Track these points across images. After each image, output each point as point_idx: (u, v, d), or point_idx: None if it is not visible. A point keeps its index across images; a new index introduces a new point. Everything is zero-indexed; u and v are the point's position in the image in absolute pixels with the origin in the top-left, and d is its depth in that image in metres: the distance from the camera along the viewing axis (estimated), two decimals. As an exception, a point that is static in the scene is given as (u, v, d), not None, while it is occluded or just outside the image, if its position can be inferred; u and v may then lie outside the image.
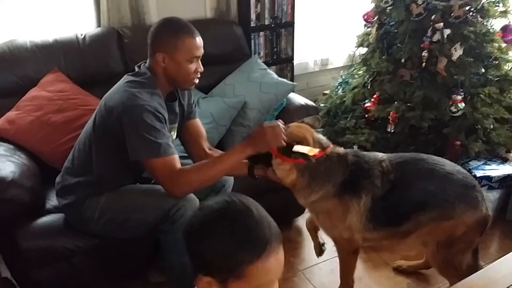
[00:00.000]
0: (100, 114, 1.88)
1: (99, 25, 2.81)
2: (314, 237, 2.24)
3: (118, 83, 1.92)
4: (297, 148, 1.76)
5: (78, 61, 2.55)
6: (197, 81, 1.95)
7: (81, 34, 2.61)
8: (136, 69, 1.94)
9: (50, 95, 2.36)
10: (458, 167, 1.95)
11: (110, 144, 1.86)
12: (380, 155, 1.94)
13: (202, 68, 1.93)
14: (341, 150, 1.92)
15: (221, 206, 1.02)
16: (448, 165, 1.92)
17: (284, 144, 1.78)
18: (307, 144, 1.82)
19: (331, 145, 1.91)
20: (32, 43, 2.47)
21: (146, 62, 1.94)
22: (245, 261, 0.96)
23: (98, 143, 1.90)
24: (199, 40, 1.88)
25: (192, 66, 1.88)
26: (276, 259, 1.01)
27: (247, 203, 1.04)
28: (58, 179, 2.03)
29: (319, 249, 2.25)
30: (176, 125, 2.04)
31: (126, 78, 1.91)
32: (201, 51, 1.90)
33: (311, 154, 1.76)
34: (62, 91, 2.40)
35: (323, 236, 2.19)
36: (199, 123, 2.17)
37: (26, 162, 2.11)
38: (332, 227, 1.95)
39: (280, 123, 1.81)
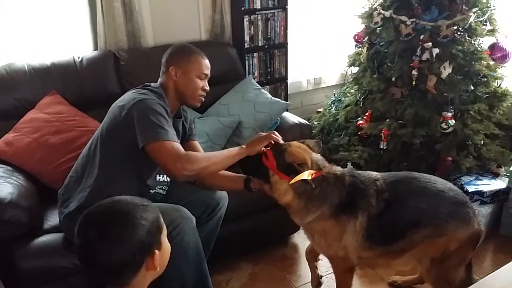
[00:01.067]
0: (109, 118, 1.95)
1: (96, 48, 2.87)
2: (313, 269, 2.26)
3: (126, 93, 2.01)
4: (297, 177, 1.79)
5: (76, 83, 2.60)
6: (203, 99, 2.09)
7: (79, 57, 2.66)
8: (146, 84, 2.05)
9: (47, 117, 2.40)
10: (450, 185, 1.98)
11: (118, 150, 1.90)
12: (374, 174, 1.97)
13: (208, 87, 2.08)
14: (338, 170, 1.94)
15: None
16: (440, 182, 1.96)
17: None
18: (307, 167, 1.84)
19: (327, 165, 1.94)
20: (30, 66, 2.52)
21: (155, 82, 2.06)
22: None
23: (105, 151, 1.94)
24: (208, 62, 2.08)
25: (201, 83, 2.04)
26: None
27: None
28: (62, 190, 2.06)
29: (317, 282, 2.26)
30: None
31: (133, 88, 2.02)
32: (209, 72, 2.08)
33: (309, 178, 1.79)
34: (60, 113, 2.44)
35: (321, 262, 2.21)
36: (197, 145, 2.21)
37: (24, 183, 2.13)
38: (327, 247, 1.96)
39: (276, 134, 1.96)
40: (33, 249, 1.97)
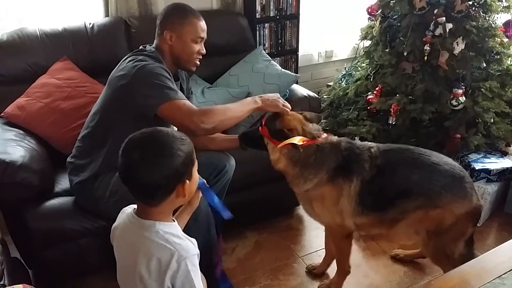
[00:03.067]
0: (110, 89, 1.97)
1: (107, 14, 2.86)
2: (328, 259, 2.34)
3: (122, 60, 2.01)
4: (285, 142, 1.85)
5: (86, 49, 2.61)
6: (198, 62, 2.09)
7: (90, 23, 2.66)
8: (141, 47, 2.05)
9: (59, 83, 2.42)
10: (446, 159, 2.00)
11: (123, 120, 1.91)
12: (370, 143, 2.03)
13: (205, 50, 2.07)
14: (334, 138, 2.00)
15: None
16: (435, 156, 1.97)
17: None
18: (297, 133, 1.90)
19: (324, 135, 1.97)
20: (41, 32, 2.53)
21: (151, 44, 2.06)
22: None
23: (110, 121, 1.96)
24: (203, 23, 2.04)
25: (196, 47, 2.03)
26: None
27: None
28: (70, 159, 2.10)
29: (321, 270, 2.37)
30: None
31: (130, 54, 2.01)
32: (205, 34, 2.05)
33: (299, 143, 1.84)
34: (71, 79, 2.46)
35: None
36: (194, 103, 2.23)
37: (35, 147, 2.17)
38: (325, 213, 2.00)
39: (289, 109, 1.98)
40: (44, 211, 2.03)
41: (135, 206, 1.37)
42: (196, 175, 1.37)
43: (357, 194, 1.91)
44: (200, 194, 1.56)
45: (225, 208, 1.62)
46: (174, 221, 1.38)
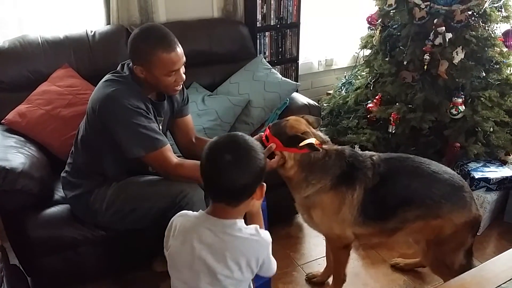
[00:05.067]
0: (88, 115, 1.97)
1: (108, 22, 2.88)
2: (329, 268, 2.30)
3: (99, 82, 1.97)
4: (308, 140, 1.81)
5: (88, 57, 2.62)
6: (179, 87, 1.96)
7: (91, 31, 2.68)
8: (119, 67, 1.99)
9: (60, 90, 2.43)
10: (445, 168, 2.00)
11: (106, 141, 1.91)
12: (369, 152, 2.03)
13: (184, 76, 1.93)
14: (338, 147, 1.99)
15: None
16: (434, 165, 1.98)
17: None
18: (310, 135, 1.88)
19: (329, 141, 1.98)
20: (43, 39, 2.54)
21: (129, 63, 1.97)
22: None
23: (94, 141, 1.96)
24: (176, 53, 1.83)
25: (171, 79, 1.88)
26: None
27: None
28: (64, 174, 2.11)
29: (322, 279, 2.34)
30: (163, 119, 2.08)
31: (106, 77, 1.97)
32: (180, 64, 1.86)
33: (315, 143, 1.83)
34: (72, 86, 2.47)
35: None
36: (189, 119, 2.23)
37: (35, 154, 2.18)
38: (324, 221, 1.99)
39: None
40: (43, 219, 2.03)
41: (200, 211, 1.40)
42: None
43: (360, 203, 1.90)
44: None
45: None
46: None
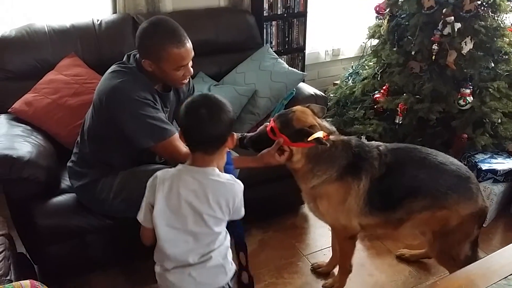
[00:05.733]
0: (94, 105, 1.96)
1: (115, 11, 2.87)
2: (335, 258, 2.31)
3: (105, 73, 1.96)
4: (316, 135, 1.80)
5: (94, 46, 2.62)
6: (186, 81, 1.96)
7: (97, 20, 2.67)
8: (125, 58, 1.98)
9: (66, 79, 2.43)
10: (452, 159, 1.99)
11: (113, 131, 1.90)
12: (375, 142, 2.03)
13: (192, 71, 1.93)
14: (344, 137, 1.98)
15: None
16: (441, 155, 1.97)
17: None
18: (318, 128, 1.86)
19: (335, 131, 1.96)
20: (49, 28, 2.54)
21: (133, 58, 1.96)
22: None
23: (101, 131, 1.96)
24: (186, 48, 1.82)
25: (179, 73, 1.88)
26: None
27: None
28: (70, 164, 2.11)
29: (327, 269, 2.35)
30: (169, 109, 2.08)
31: (112, 68, 1.96)
32: (189, 59, 1.86)
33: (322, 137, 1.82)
34: (78, 75, 2.47)
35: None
36: None
37: (42, 143, 2.18)
38: (330, 212, 1.99)
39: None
40: (50, 207, 2.04)
41: (180, 164, 1.57)
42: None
43: (366, 193, 1.89)
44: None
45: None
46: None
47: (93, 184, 2.00)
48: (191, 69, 1.92)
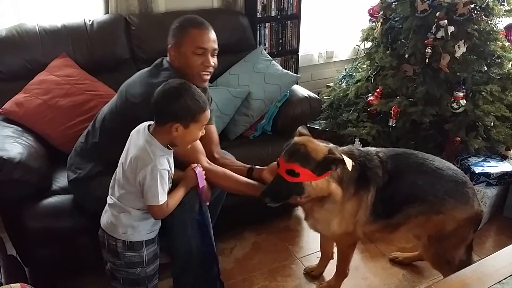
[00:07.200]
0: (120, 100, 1.95)
1: (107, 12, 2.84)
2: (324, 262, 2.30)
3: (138, 72, 1.98)
4: (348, 161, 1.70)
5: (86, 46, 2.59)
6: (206, 77, 1.95)
7: (89, 20, 2.65)
8: (158, 61, 2.00)
9: (57, 79, 2.40)
10: (448, 164, 1.99)
11: (125, 128, 1.87)
12: (373, 148, 1.99)
13: (213, 63, 1.93)
14: (344, 148, 1.93)
15: (181, 84, 1.69)
16: (438, 161, 1.97)
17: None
18: (336, 150, 1.77)
19: (336, 146, 1.88)
20: (41, 28, 2.51)
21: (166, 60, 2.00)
22: (199, 111, 1.66)
23: (114, 127, 1.95)
24: (208, 33, 1.90)
25: (197, 59, 1.88)
26: (208, 111, 1.71)
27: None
28: (71, 153, 2.09)
29: (318, 272, 2.33)
30: None
31: (147, 68, 1.98)
32: (209, 44, 1.90)
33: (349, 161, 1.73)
34: (70, 76, 2.44)
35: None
36: (212, 130, 2.15)
37: (33, 144, 2.16)
38: (343, 226, 1.92)
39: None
40: (41, 210, 2.02)
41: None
42: (194, 133, 1.70)
43: (372, 203, 1.86)
44: (194, 175, 1.81)
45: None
46: (170, 148, 1.72)
47: (88, 179, 1.97)
48: (211, 61, 1.92)
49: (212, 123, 2.17)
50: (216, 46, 1.94)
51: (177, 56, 1.90)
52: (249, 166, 2.03)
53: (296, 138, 1.83)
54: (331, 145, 1.87)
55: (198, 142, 1.89)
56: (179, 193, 1.78)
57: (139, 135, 1.71)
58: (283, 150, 1.81)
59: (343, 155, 1.73)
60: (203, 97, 1.70)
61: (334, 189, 1.80)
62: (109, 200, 1.79)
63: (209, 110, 1.73)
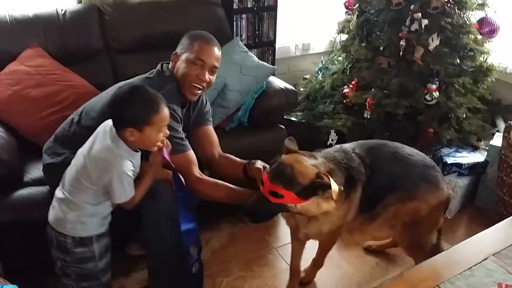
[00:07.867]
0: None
1: (80, 1, 2.79)
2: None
3: (138, 76, 1.99)
4: (334, 191, 1.60)
5: (58, 37, 2.54)
6: (197, 91, 1.97)
7: (62, 10, 2.59)
8: (159, 66, 2.01)
9: (29, 70, 2.35)
10: (416, 150, 2.04)
11: None
12: (345, 145, 1.96)
13: (208, 79, 1.96)
14: (327, 153, 1.87)
15: (131, 88, 1.67)
16: (407, 148, 2.01)
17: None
18: (323, 174, 1.65)
19: (320, 159, 1.78)
20: (11, 17, 2.45)
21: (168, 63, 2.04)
22: (151, 114, 1.61)
23: (96, 124, 1.89)
24: (212, 49, 1.95)
25: (194, 69, 1.92)
26: (163, 112, 1.65)
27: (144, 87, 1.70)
28: (51, 138, 2.04)
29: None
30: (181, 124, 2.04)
31: (147, 74, 1.99)
32: (210, 59, 1.94)
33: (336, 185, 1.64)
34: (41, 66, 2.39)
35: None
36: (209, 131, 2.17)
37: (4, 136, 2.11)
38: (333, 229, 1.89)
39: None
40: (12, 202, 1.98)
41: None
42: (154, 137, 1.65)
43: (359, 200, 1.85)
44: (159, 158, 1.76)
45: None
46: (138, 151, 1.70)
47: (64, 166, 1.93)
48: (207, 77, 1.96)
49: (209, 124, 2.20)
50: (217, 64, 1.98)
51: (177, 62, 1.96)
52: (246, 161, 2.02)
53: (283, 157, 1.70)
54: (319, 159, 1.76)
55: (192, 152, 1.92)
56: (146, 183, 1.75)
57: (106, 134, 1.67)
58: (270, 165, 1.73)
59: (331, 179, 1.62)
60: (157, 98, 1.66)
61: (326, 207, 1.69)
62: (58, 193, 1.73)
63: (164, 111, 1.65)
